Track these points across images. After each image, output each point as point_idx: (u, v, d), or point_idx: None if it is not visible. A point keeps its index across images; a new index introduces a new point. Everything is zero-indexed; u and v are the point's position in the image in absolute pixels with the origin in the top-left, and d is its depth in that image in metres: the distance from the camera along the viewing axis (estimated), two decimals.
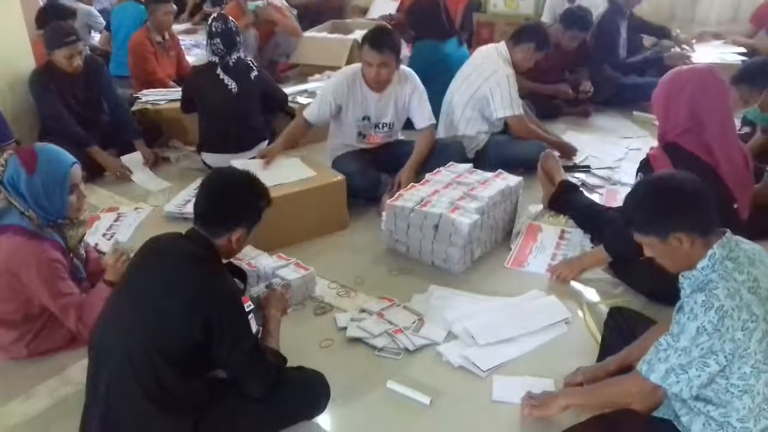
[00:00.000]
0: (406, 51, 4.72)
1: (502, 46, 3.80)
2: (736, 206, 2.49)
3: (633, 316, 2.27)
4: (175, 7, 5.00)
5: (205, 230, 1.93)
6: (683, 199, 1.66)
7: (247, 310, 2.00)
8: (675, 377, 1.61)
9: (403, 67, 3.54)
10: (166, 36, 4.86)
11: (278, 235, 3.00)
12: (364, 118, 3.49)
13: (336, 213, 3.30)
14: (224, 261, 2.02)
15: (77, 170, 2.30)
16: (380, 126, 3.53)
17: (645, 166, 2.49)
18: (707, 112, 2.40)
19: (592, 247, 2.96)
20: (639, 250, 1.79)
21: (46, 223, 2.25)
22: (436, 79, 4.32)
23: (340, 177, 3.30)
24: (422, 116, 3.52)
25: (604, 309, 2.45)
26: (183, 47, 5.40)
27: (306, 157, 3.54)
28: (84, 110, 3.87)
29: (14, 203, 2.21)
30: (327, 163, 3.54)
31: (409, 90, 3.48)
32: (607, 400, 1.82)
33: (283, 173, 3.25)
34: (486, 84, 3.68)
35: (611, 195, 3.51)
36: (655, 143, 3.18)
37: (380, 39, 3.29)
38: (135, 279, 1.91)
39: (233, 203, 1.96)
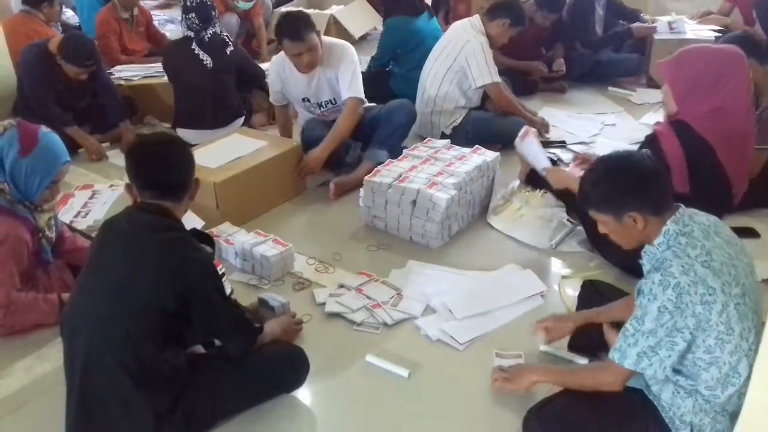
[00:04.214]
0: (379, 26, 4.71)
1: (476, 19, 3.80)
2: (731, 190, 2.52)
3: (606, 289, 2.30)
4: None
5: (168, 199, 1.88)
6: (638, 179, 1.68)
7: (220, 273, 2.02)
8: (647, 360, 1.63)
9: (332, 39, 3.50)
10: (135, 12, 4.77)
11: (246, 208, 3.12)
12: (304, 100, 3.48)
13: (294, 178, 3.38)
14: (195, 225, 2.02)
15: (66, 169, 2.34)
16: (323, 104, 3.50)
17: (652, 142, 2.46)
18: (743, 98, 2.39)
19: (567, 220, 2.98)
20: (595, 224, 1.82)
21: (16, 200, 2.24)
22: (410, 55, 4.34)
23: (294, 143, 3.44)
24: (346, 86, 3.36)
25: (579, 282, 2.49)
26: (156, 23, 5.31)
27: (245, 132, 3.61)
28: (71, 92, 3.81)
29: None
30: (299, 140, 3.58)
31: (337, 62, 3.36)
32: (579, 384, 1.83)
33: (235, 149, 3.24)
34: (461, 55, 3.68)
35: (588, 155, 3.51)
36: (630, 120, 3.25)
37: (296, 26, 3.21)
38: (101, 259, 1.88)
39: (182, 160, 1.93)
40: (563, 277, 2.65)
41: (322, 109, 3.52)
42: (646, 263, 1.72)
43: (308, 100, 3.49)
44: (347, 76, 3.36)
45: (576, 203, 2.64)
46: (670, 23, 4.70)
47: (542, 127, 3.92)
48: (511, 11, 3.77)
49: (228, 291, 2.09)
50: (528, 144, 3.01)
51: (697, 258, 1.59)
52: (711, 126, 2.39)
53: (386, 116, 3.50)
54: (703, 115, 2.40)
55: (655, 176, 1.70)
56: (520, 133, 3.07)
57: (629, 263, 2.54)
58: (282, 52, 3.38)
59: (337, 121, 3.40)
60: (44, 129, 2.33)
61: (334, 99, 3.48)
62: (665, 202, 1.69)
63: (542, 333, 2.15)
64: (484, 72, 3.67)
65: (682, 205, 1.72)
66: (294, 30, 3.20)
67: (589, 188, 1.76)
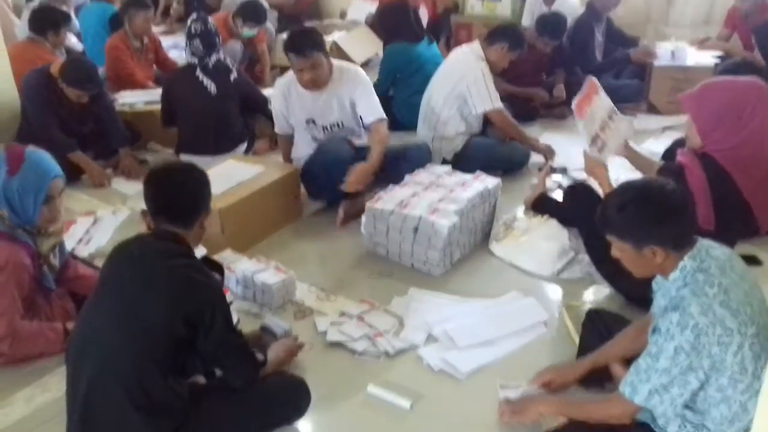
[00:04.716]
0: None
1: (476, 45, 3.84)
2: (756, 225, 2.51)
3: (611, 318, 2.28)
4: (152, 13, 4.99)
5: (177, 225, 1.91)
6: (670, 215, 1.64)
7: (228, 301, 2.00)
8: (659, 397, 1.61)
9: (342, 62, 3.49)
10: (145, 40, 4.82)
11: (249, 234, 3.13)
12: (308, 121, 3.43)
13: (292, 203, 3.40)
14: (197, 254, 2.02)
15: (58, 183, 2.29)
16: (328, 127, 3.44)
17: (677, 174, 2.41)
18: (766, 136, 2.38)
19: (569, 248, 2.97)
20: (608, 247, 1.79)
21: (16, 226, 2.23)
22: (410, 80, 4.38)
23: (292, 167, 3.47)
24: (370, 110, 3.37)
25: (583, 310, 2.48)
26: None
27: (239, 158, 3.64)
28: (74, 117, 3.83)
29: None
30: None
31: (352, 85, 3.36)
32: (587, 416, 1.81)
33: (232, 176, 3.24)
34: (462, 82, 3.70)
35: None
36: (632, 145, 3.21)
37: (301, 42, 3.23)
38: (110, 284, 1.89)
39: (195, 187, 1.97)
40: (567, 306, 2.63)
41: (326, 132, 3.47)
42: (659, 297, 1.70)
43: (313, 122, 3.43)
44: (367, 100, 3.37)
45: (585, 225, 2.64)
46: (672, 52, 4.74)
47: (547, 153, 3.93)
48: (509, 36, 3.81)
49: (235, 320, 2.08)
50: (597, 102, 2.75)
51: (715, 297, 1.57)
52: (736, 159, 2.36)
53: (405, 155, 3.44)
54: (728, 148, 2.38)
55: (683, 212, 1.67)
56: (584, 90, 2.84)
57: (636, 292, 2.52)
58: (291, 73, 3.40)
59: (372, 144, 3.32)
60: (31, 147, 2.32)
61: (341, 122, 3.45)
62: (688, 238, 1.67)
63: (544, 389, 2.06)
64: (485, 98, 3.69)
65: (699, 237, 1.70)
66: (300, 45, 3.22)
67: (613, 213, 1.71)
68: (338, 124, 3.45)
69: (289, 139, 3.62)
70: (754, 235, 2.73)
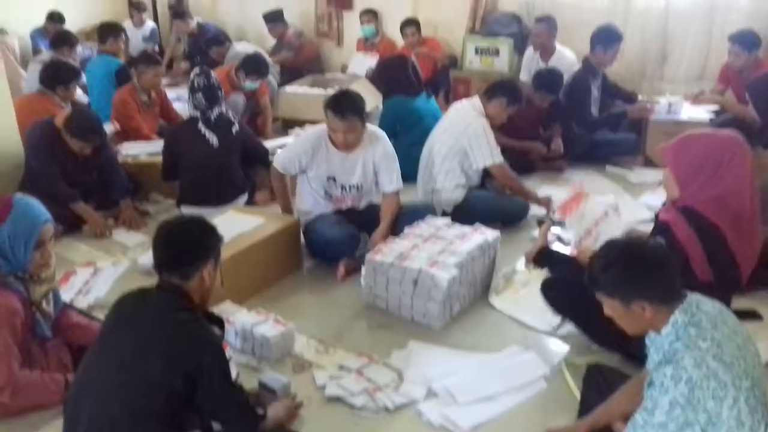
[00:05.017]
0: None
1: (476, 100, 3.91)
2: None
3: (611, 373, 2.28)
4: (162, 69, 5.11)
5: (176, 277, 1.93)
6: (653, 270, 1.69)
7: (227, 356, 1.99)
8: None
9: (374, 128, 3.52)
10: (152, 94, 4.92)
11: (249, 285, 3.12)
12: (329, 179, 3.43)
13: (292, 254, 3.40)
14: (201, 307, 2.02)
15: (48, 228, 2.29)
16: (347, 188, 3.46)
17: (664, 232, 2.43)
18: (746, 182, 2.41)
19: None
20: (600, 307, 1.82)
21: (8, 274, 2.23)
22: (408, 132, 4.45)
23: (292, 218, 3.46)
24: (390, 180, 3.45)
25: (583, 365, 2.46)
26: None
27: (240, 209, 3.68)
28: (76, 168, 3.88)
29: None
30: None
31: (379, 152, 3.43)
32: None
33: (233, 228, 3.23)
34: (463, 136, 3.76)
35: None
36: (628, 199, 3.26)
37: (342, 104, 3.26)
38: (110, 337, 1.90)
39: (194, 239, 1.99)
40: (567, 362, 2.61)
41: (343, 192, 3.47)
42: (653, 353, 1.71)
43: (333, 179, 3.44)
44: (390, 169, 3.43)
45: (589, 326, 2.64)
46: (669, 104, 4.82)
47: (547, 205, 3.97)
48: (507, 91, 3.90)
49: (234, 374, 2.07)
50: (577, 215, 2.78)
51: (708, 350, 1.58)
52: (718, 211, 2.40)
53: (410, 218, 3.39)
54: (708, 200, 2.41)
55: (667, 267, 1.71)
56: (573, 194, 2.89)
57: (629, 349, 2.50)
58: (324, 126, 3.42)
59: (386, 211, 3.43)
60: (19, 195, 2.35)
61: (360, 185, 3.47)
62: (675, 292, 1.70)
63: None
64: (486, 153, 3.74)
65: (688, 292, 1.72)
66: (341, 107, 3.25)
67: (599, 272, 1.77)
68: (357, 187, 3.48)
69: (284, 179, 3.58)
70: (740, 286, 2.72)
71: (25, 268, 2.26)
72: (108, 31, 5.72)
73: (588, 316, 2.56)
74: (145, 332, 1.82)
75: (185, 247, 1.97)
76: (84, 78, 5.62)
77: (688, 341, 1.61)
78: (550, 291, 2.74)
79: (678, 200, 2.49)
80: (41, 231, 2.25)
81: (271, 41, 7.16)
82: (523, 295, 3.10)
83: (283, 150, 3.61)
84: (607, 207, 2.97)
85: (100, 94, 5.26)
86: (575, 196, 2.82)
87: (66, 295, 3.14)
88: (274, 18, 6.99)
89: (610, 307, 1.77)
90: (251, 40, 7.53)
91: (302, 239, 3.49)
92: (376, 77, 5.62)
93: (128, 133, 4.68)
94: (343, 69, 7.00)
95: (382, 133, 3.52)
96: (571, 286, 2.66)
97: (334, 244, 3.36)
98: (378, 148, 3.43)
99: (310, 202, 3.51)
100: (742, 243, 2.43)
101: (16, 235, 2.20)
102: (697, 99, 5.01)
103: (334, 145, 3.37)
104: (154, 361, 1.77)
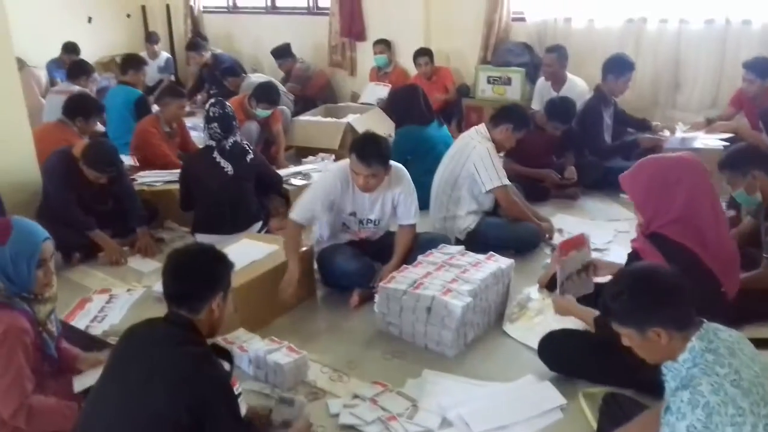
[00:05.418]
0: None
1: (481, 127, 3.93)
2: (723, 289, 2.50)
3: (629, 403, 2.25)
4: (186, 102, 5.28)
5: (185, 309, 1.92)
6: (664, 295, 1.69)
7: (236, 392, 1.96)
8: None
9: (397, 166, 3.42)
10: (174, 125, 5.01)
11: (261, 313, 3.12)
12: (351, 213, 3.43)
13: (305, 282, 3.37)
14: (209, 339, 2.01)
15: (48, 246, 2.32)
16: (365, 222, 3.46)
17: (635, 259, 2.46)
18: (702, 202, 2.42)
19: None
20: (618, 337, 1.81)
21: (13, 295, 2.24)
22: (421, 161, 4.46)
23: (305, 247, 3.41)
24: (408, 214, 3.43)
25: (600, 395, 2.42)
26: None
27: (255, 237, 3.67)
28: (93, 196, 3.93)
29: None
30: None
31: (398, 190, 3.39)
32: None
33: (247, 255, 3.25)
34: (469, 162, 3.77)
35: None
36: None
37: (368, 151, 3.18)
38: (118, 368, 1.88)
39: (203, 273, 1.97)
40: (584, 392, 2.56)
41: (362, 226, 3.47)
42: (669, 380, 1.69)
43: (354, 214, 3.44)
44: (408, 204, 3.41)
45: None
46: (683, 139, 4.81)
47: (549, 232, 3.97)
48: (512, 116, 3.90)
49: (243, 411, 2.04)
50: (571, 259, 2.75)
51: (726, 377, 1.57)
52: (682, 231, 2.40)
53: (424, 246, 3.37)
54: (669, 223, 2.42)
55: (679, 292, 1.70)
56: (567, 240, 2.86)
57: (640, 379, 2.45)
58: (343, 162, 3.38)
59: (401, 244, 3.41)
60: (16, 217, 2.38)
61: (378, 221, 3.48)
62: (689, 319, 1.69)
63: None
64: (492, 176, 3.75)
65: (705, 320, 1.70)
66: (366, 153, 3.18)
67: (611, 301, 1.77)
68: (375, 222, 3.48)
69: (301, 230, 3.38)
70: (726, 303, 2.67)
71: (30, 288, 2.28)
72: (130, 63, 5.90)
73: (587, 363, 2.58)
74: (150, 367, 1.80)
75: (194, 281, 1.95)
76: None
77: (705, 367, 1.60)
78: (543, 354, 2.71)
79: (644, 227, 2.50)
80: (42, 249, 2.28)
81: None
82: (537, 322, 3.08)
83: (302, 202, 3.39)
84: (591, 262, 2.86)
85: (118, 123, 5.39)
86: (576, 239, 2.82)
87: (81, 321, 3.18)
88: (282, 53, 7.17)
89: (627, 336, 1.76)
90: (266, 70, 7.65)
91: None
92: (388, 106, 5.69)
93: (150, 163, 4.76)
94: (354, 98, 7.09)
95: (404, 171, 3.48)
96: (561, 343, 2.68)
97: (350, 276, 3.36)
98: (398, 187, 3.40)
99: (325, 232, 3.49)
100: (714, 259, 2.42)
101: (19, 255, 2.22)
102: (711, 127, 5.00)
103: (355, 184, 3.32)
104: (159, 394, 1.75)
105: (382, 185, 3.34)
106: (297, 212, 3.35)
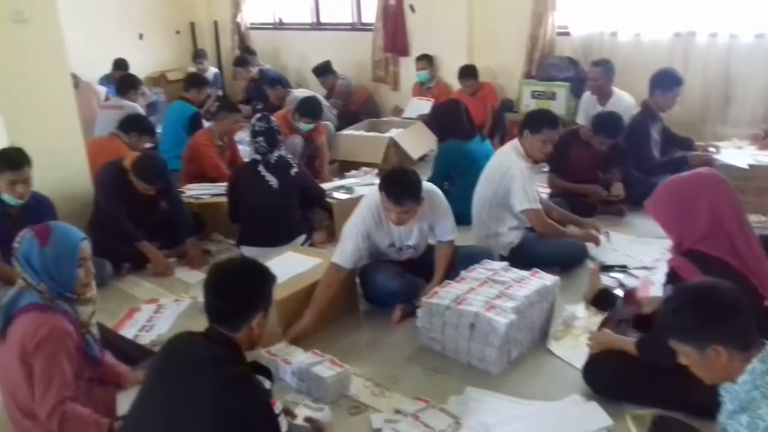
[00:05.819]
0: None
1: (516, 141, 3.88)
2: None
3: (679, 426, 2.19)
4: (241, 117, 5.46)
5: (225, 327, 1.89)
6: (725, 312, 1.64)
7: (276, 411, 1.95)
8: None
9: (426, 189, 3.29)
10: (225, 140, 5.13)
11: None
12: (389, 246, 3.42)
13: (348, 296, 3.38)
14: (248, 357, 1.97)
15: (86, 245, 2.39)
16: (404, 248, 3.46)
17: (674, 278, 2.41)
18: (726, 213, 2.38)
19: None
20: (673, 356, 1.76)
21: (56, 296, 2.30)
22: (463, 176, 4.45)
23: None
24: (445, 231, 3.41)
25: (649, 417, 2.36)
26: None
27: (299, 250, 3.70)
28: (142, 208, 4.03)
29: (26, 277, 2.28)
30: None
31: (433, 213, 3.36)
32: None
33: (290, 268, 3.27)
34: (504, 179, 3.73)
35: (645, 285, 3.44)
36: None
37: (399, 191, 3.10)
38: (159, 389, 1.87)
39: (244, 292, 1.93)
40: (632, 414, 2.50)
41: (402, 252, 3.48)
42: (727, 402, 1.64)
43: (393, 245, 3.44)
44: (444, 224, 3.39)
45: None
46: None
47: (595, 240, 3.92)
48: (527, 121, 3.83)
49: (284, 430, 2.03)
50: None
51: None
52: (715, 245, 2.36)
53: (467, 262, 3.34)
54: (701, 238, 2.38)
55: (741, 310, 1.65)
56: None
57: (691, 402, 2.39)
58: (371, 197, 3.30)
59: (440, 261, 3.40)
60: (54, 221, 2.48)
61: (417, 245, 3.47)
62: (751, 336, 1.64)
63: None
64: (522, 198, 3.69)
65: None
66: (395, 193, 3.10)
67: (671, 317, 1.72)
68: (414, 247, 3.48)
69: (341, 275, 3.24)
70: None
71: (72, 288, 2.34)
72: (194, 82, 6.15)
73: (635, 387, 2.52)
74: (189, 387, 1.78)
75: (235, 299, 1.92)
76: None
77: (766, 390, 1.55)
78: (588, 377, 2.67)
79: (678, 246, 2.45)
80: (80, 247, 2.35)
81: None
82: (583, 341, 3.01)
83: (344, 249, 3.24)
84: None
85: (171, 136, 5.57)
86: (642, 286, 2.81)
87: (130, 331, 3.25)
88: (323, 71, 7.30)
89: (685, 354, 1.71)
90: (310, 85, 7.77)
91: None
92: (431, 121, 5.70)
93: (202, 176, 4.88)
94: (396, 112, 7.13)
95: (437, 193, 3.43)
96: (606, 366, 2.62)
97: (393, 295, 3.35)
98: (432, 211, 3.37)
99: (365, 259, 3.45)
100: (751, 270, 2.36)
101: (60, 254, 2.29)
102: (765, 143, 4.86)
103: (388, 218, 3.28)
104: (200, 414, 1.73)
105: (417, 215, 3.28)
106: (341, 257, 3.23)
